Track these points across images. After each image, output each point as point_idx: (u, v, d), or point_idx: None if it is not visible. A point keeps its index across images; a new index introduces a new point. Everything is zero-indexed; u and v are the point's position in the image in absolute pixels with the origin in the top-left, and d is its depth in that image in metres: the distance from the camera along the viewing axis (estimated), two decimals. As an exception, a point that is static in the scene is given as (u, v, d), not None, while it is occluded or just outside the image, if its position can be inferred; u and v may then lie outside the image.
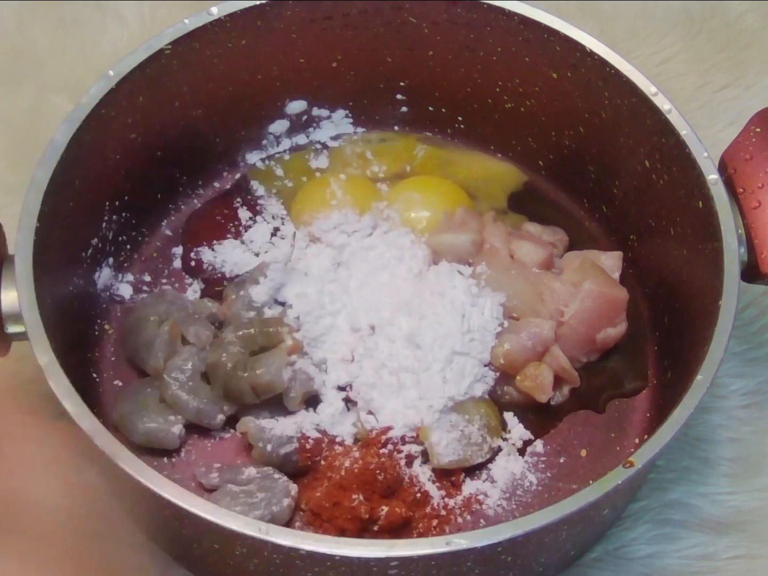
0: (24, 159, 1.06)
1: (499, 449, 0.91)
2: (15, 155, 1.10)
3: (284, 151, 1.08)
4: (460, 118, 1.08)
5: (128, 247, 1.00)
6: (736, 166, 0.90)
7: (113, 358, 0.95)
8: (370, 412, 0.89)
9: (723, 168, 0.90)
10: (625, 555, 0.90)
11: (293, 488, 0.86)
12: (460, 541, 0.71)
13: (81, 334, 0.94)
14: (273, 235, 1.01)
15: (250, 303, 0.93)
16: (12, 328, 0.81)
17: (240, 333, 0.90)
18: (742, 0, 1.24)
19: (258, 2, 0.96)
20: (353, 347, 0.92)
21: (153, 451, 0.89)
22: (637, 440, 0.92)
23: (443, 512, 0.87)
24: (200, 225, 1.03)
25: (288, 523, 0.85)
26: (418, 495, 0.87)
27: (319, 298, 0.93)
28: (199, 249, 1.00)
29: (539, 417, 0.93)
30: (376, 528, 0.85)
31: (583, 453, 0.91)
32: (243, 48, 0.98)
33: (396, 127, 1.10)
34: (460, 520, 0.87)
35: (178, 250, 1.02)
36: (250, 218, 1.02)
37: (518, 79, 1.02)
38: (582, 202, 1.06)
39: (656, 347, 0.97)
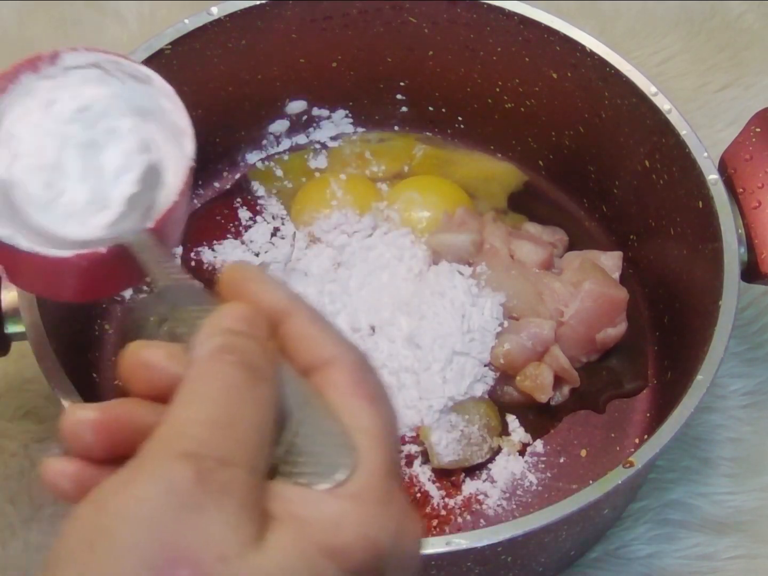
0: (24, 159, 1.06)
1: (499, 449, 0.91)
2: (15, 155, 1.10)
3: (284, 151, 1.08)
4: (460, 118, 1.08)
5: (128, 247, 1.00)
6: (736, 166, 0.90)
7: (113, 358, 0.95)
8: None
9: (723, 168, 0.90)
10: (625, 555, 0.90)
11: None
12: (459, 541, 0.71)
13: (81, 335, 0.94)
14: (273, 235, 1.01)
15: (250, 303, 0.93)
16: (12, 328, 0.81)
17: (240, 333, 0.90)
18: (742, 0, 1.24)
19: (258, 2, 0.96)
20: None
21: (153, 451, 0.89)
22: (637, 440, 0.92)
23: (443, 512, 0.87)
24: (200, 225, 1.03)
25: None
26: (418, 495, 0.87)
27: (319, 298, 0.93)
28: (199, 249, 1.00)
29: (539, 417, 0.92)
30: (376, 528, 0.85)
31: (583, 453, 0.91)
32: (243, 48, 0.98)
33: (396, 127, 1.10)
34: (459, 520, 0.87)
35: (178, 250, 1.02)
36: (250, 218, 1.02)
37: (518, 79, 1.02)
38: (582, 202, 1.06)
39: (656, 347, 0.97)
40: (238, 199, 1.04)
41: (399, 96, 1.08)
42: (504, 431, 0.91)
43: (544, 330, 0.92)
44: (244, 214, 1.03)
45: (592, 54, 0.94)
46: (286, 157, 1.08)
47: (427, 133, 1.10)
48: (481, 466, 0.90)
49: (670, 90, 0.95)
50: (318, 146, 1.09)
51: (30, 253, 0.61)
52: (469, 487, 0.89)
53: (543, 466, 0.91)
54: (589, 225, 1.05)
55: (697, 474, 0.94)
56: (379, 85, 1.06)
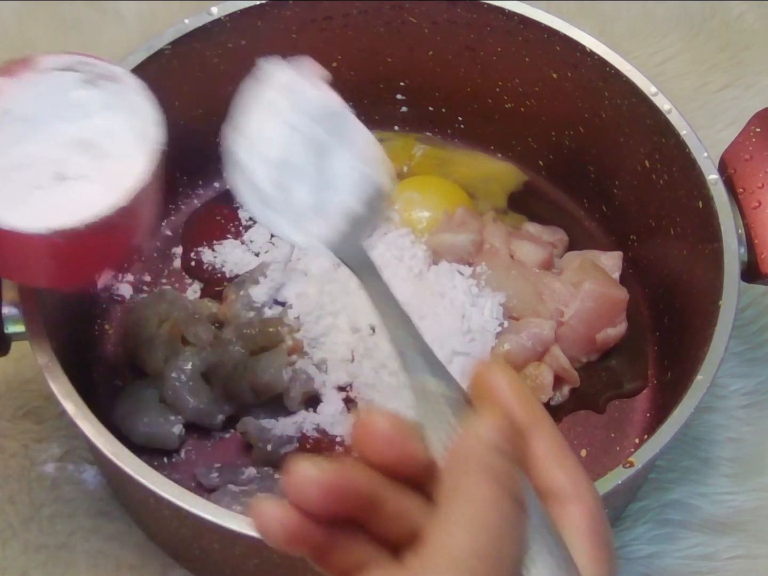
0: (24, 159, 1.06)
1: (499, 449, 0.91)
2: (15, 155, 1.10)
3: (284, 151, 1.08)
4: (460, 118, 1.08)
5: (128, 247, 1.00)
6: (736, 166, 0.90)
7: (113, 358, 0.95)
8: (370, 412, 0.89)
9: (723, 168, 0.90)
10: (625, 555, 0.90)
11: (293, 488, 0.86)
12: (459, 541, 0.71)
13: (81, 334, 0.94)
14: (273, 235, 1.01)
15: (250, 303, 0.93)
16: (12, 328, 0.81)
17: (240, 333, 0.90)
18: (742, 0, 1.24)
19: (258, 2, 0.96)
20: (353, 347, 0.92)
21: (153, 451, 0.89)
22: (637, 440, 0.92)
23: (443, 512, 0.87)
24: (200, 225, 1.03)
25: (288, 524, 0.85)
26: (418, 495, 0.87)
27: (320, 298, 0.93)
28: (199, 249, 1.00)
29: (539, 417, 0.92)
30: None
31: (583, 453, 0.91)
32: (243, 48, 0.98)
33: (396, 127, 1.10)
34: (460, 520, 0.87)
35: (178, 250, 1.02)
36: (250, 218, 1.02)
37: (518, 79, 1.02)
38: (582, 202, 1.06)
39: (656, 347, 0.97)
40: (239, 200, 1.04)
41: (399, 96, 1.08)
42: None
43: (544, 330, 0.92)
44: (244, 214, 1.02)
45: (592, 54, 0.95)
46: (286, 158, 1.08)
47: (427, 133, 1.10)
48: (481, 466, 0.90)
49: (670, 90, 0.95)
50: (318, 146, 1.09)
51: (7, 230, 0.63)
52: (469, 487, 0.89)
53: (543, 466, 0.90)
54: (589, 225, 1.05)
55: (697, 474, 0.94)
56: (379, 85, 1.06)
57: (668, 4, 1.24)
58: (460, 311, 0.90)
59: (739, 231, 0.86)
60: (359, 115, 1.09)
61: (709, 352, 0.80)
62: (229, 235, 1.01)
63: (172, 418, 0.89)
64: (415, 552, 0.43)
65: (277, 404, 0.89)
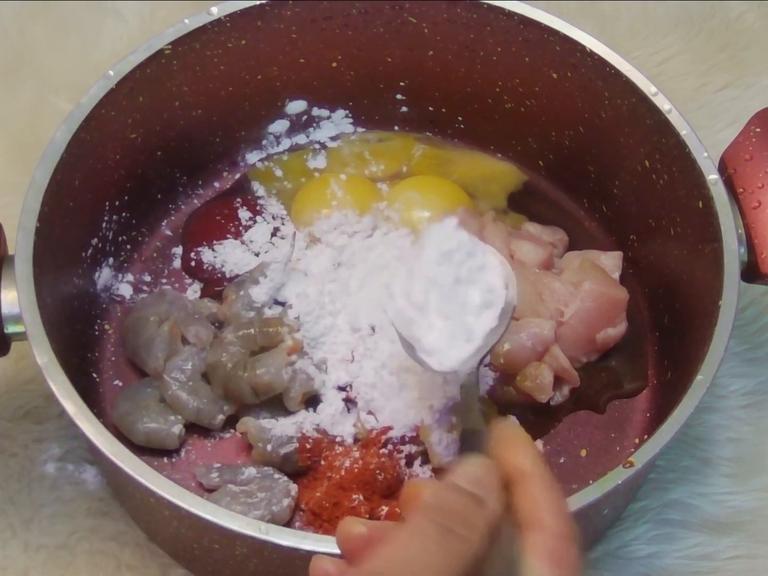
0: (24, 159, 1.06)
1: (499, 449, 0.91)
2: (15, 155, 1.10)
3: (284, 151, 1.08)
4: (460, 118, 1.08)
5: (128, 247, 1.00)
6: (736, 166, 0.90)
7: (113, 358, 0.95)
8: (370, 412, 0.89)
9: (723, 168, 0.90)
10: (625, 555, 0.90)
11: (293, 488, 0.86)
12: (459, 541, 0.71)
13: (81, 334, 0.94)
14: (273, 235, 1.01)
15: (250, 303, 0.93)
16: (12, 328, 0.81)
17: (240, 333, 0.90)
18: (742, 0, 1.24)
19: (258, 2, 0.96)
20: (353, 347, 0.92)
21: (153, 451, 0.89)
22: (637, 440, 0.92)
23: (443, 512, 0.87)
24: (200, 225, 1.02)
25: (288, 524, 0.85)
26: (418, 495, 0.87)
27: (320, 298, 0.93)
28: (199, 249, 1.00)
29: (539, 417, 0.93)
30: (376, 528, 0.85)
31: (583, 453, 0.91)
32: (243, 48, 0.98)
33: (396, 127, 1.10)
34: (460, 520, 0.87)
35: (178, 250, 1.02)
36: (250, 218, 1.02)
37: (518, 79, 1.02)
38: (582, 202, 1.06)
39: (656, 347, 0.97)
40: (238, 199, 1.04)
41: (399, 96, 1.08)
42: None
43: (544, 330, 0.92)
44: (244, 214, 1.02)
45: (592, 54, 0.95)
46: (285, 157, 1.08)
47: (427, 133, 1.10)
48: (481, 466, 0.90)
49: (670, 90, 0.95)
50: (317, 146, 1.09)
51: None
52: (469, 487, 0.89)
53: (543, 466, 0.90)
54: (589, 225, 1.05)
55: (697, 474, 0.94)
56: (379, 85, 1.06)
57: (668, 4, 1.24)
58: (460, 311, 0.90)
59: (739, 231, 0.86)
60: (359, 115, 1.10)
61: (709, 352, 0.80)
62: (229, 235, 1.01)
63: (172, 418, 0.89)
64: None
65: (277, 404, 0.90)
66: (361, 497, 0.84)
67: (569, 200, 1.06)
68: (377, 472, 0.85)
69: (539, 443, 0.91)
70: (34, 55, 1.19)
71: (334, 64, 1.04)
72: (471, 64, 1.02)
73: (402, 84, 1.06)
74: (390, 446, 0.88)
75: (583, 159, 1.03)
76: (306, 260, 0.97)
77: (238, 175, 1.07)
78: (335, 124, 1.09)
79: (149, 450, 0.89)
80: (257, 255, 0.99)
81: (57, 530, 0.89)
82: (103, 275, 0.97)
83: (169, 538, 0.87)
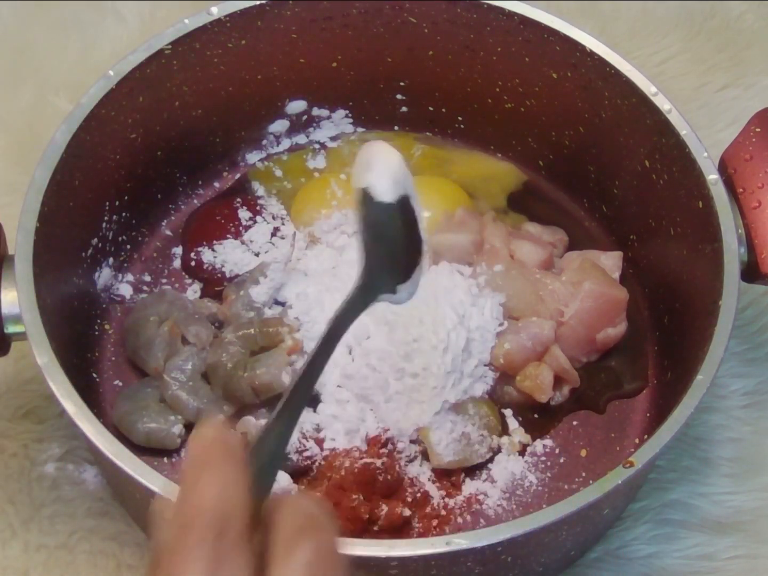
0: (24, 159, 1.06)
1: (499, 449, 0.91)
2: (15, 155, 1.10)
3: (284, 151, 1.08)
4: (460, 118, 1.08)
5: (128, 247, 1.00)
6: (736, 166, 0.90)
7: (113, 358, 0.95)
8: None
9: (723, 168, 0.90)
10: (625, 555, 0.90)
11: (293, 488, 0.86)
12: (460, 541, 0.71)
13: (81, 334, 0.94)
14: (273, 235, 1.01)
15: (250, 303, 0.93)
16: (12, 328, 0.81)
17: (240, 333, 0.90)
18: (742, 0, 1.24)
19: (258, 2, 0.96)
20: (352, 347, 0.91)
21: (153, 451, 0.89)
22: (637, 440, 0.92)
23: (443, 512, 0.87)
24: (200, 225, 1.02)
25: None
26: (418, 495, 0.87)
27: (319, 298, 0.93)
28: (199, 249, 1.00)
29: (539, 417, 0.93)
30: (376, 528, 0.85)
31: (583, 453, 0.91)
32: (243, 48, 0.98)
33: (396, 127, 1.10)
34: (460, 520, 0.87)
35: (178, 250, 1.02)
36: (250, 218, 1.02)
37: (518, 79, 1.02)
38: (582, 202, 1.06)
39: (656, 347, 0.97)
40: (238, 199, 1.04)
41: (399, 96, 1.08)
42: (504, 431, 0.91)
43: (544, 330, 0.92)
44: (244, 214, 1.02)
45: (592, 54, 0.95)
46: (285, 157, 1.08)
47: (427, 133, 1.10)
48: (481, 466, 0.90)
49: (670, 90, 0.95)
50: (317, 146, 1.09)
51: None
52: (469, 487, 0.89)
53: (543, 466, 0.91)
54: (589, 225, 1.05)
55: (697, 474, 0.94)
56: (379, 85, 1.06)
57: (668, 4, 1.24)
58: (460, 311, 0.90)
59: (739, 231, 0.86)
60: (359, 115, 1.10)
61: (709, 352, 0.80)
62: (229, 235, 1.01)
63: (172, 418, 0.89)
64: None
65: (277, 404, 0.89)
66: (361, 497, 0.84)
67: (569, 200, 1.06)
68: (377, 472, 0.85)
69: (539, 443, 0.91)
70: (34, 55, 1.19)
71: (334, 64, 1.04)
72: (471, 64, 1.02)
73: (402, 84, 1.06)
74: (390, 446, 0.88)
75: (583, 159, 1.03)
76: (306, 260, 0.97)
77: (238, 175, 1.07)
78: (335, 124, 1.09)
79: (149, 450, 0.89)
80: (257, 255, 0.99)
81: (57, 530, 0.89)
82: (103, 275, 0.97)
83: (169, 538, 0.87)
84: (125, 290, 0.99)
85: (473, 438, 0.89)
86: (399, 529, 0.85)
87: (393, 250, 0.73)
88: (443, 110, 1.08)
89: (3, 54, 1.19)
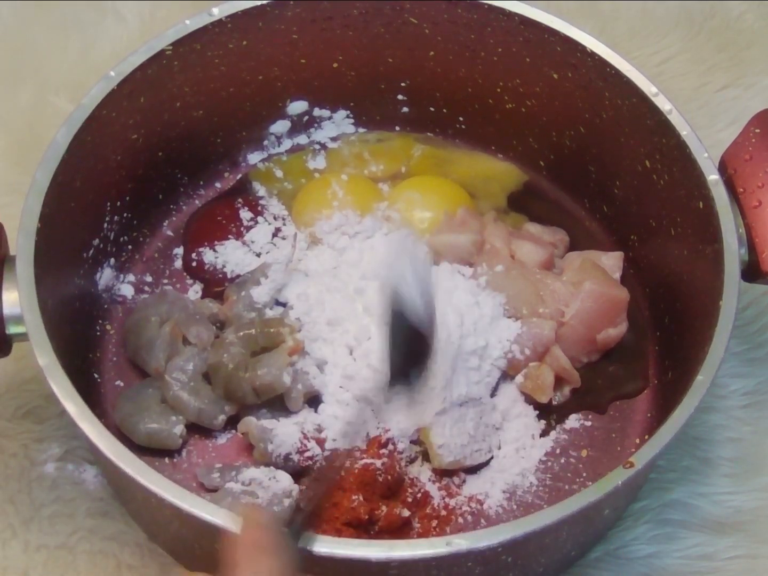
0: (24, 159, 1.06)
1: (500, 449, 0.91)
2: (15, 155, 1.10)
3: (284, 152, 1.08)
4: (461, 119, 1.09)
5: (129, 247, 1.01)
6: (736, 166, 0.90)
7: (114, 359, 0.95)
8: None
9: (723, 168, 0.90)
10: (625, 555, 0.90)
11: (294, 488, 0.86)
12: (460, 542, 0.71)
13: (82, 335, 0.94)
14: (274, 235, 1.01)
15: (252, 303, 0.93)
16: (13, 329, 0.81)
17: (241, 333, 0.90)
18: (742, 0, 1.24)
19: (259, 3, 0.96)
20: (354, 347, 0.92)
21: (154, 451, 0.89)
22: (637, 440, 0.92)
23: (444, 512, 0.87)
24: (201, 226, 1.02)
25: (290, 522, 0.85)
26: (419, 495, 0.87)
27: (320, 298, 0.93)
28: (201, 250, 1.00)
29: (540, 417, 0.93)
30: (375, 528, 0.85)
31: (584, 453, 0.92)
32: (244, 49, 0.98)
33: (397, 128, 1.10)
34: (460, 520, 0.87)
35: (180, 251, 1.02)
36: (252, 219, 1.02)
37: (519, 79, 1.02)
38: (583, 202, 1.06)
39: (657, 347, 0.97)
40: (240, 200, 1.04)
41: (400, 96, 1.08)
42: (504, 432, 0.91)
43: (545, 330, 0.92)
44: (245, 214, 1.02)
45: (592, 54, 0.95)
46: (285, 158, 1.08)
47: (428, 134, 1.10)
48: (482, 466, 0.90)
49: (670, 90, 0.95)
50: (317, 147, 1.09)
51: None
52: (470, 487, 0.89)
53: (543, 466, 0.91)
54: (589, 225, 1.05)
55: (697, 474, 0.94)
56: (380, 85, 1.06)
57: (668, 4, 1.24)
58: (460, 312, 0.90)
59: (740, 230, 0.86)
60: (360, 116, 1.10)
61: (710, 352, 0.80)
62: (230, 236, 1.01)
63: (174, 418, 0.89)
64: None
65: (278, 404, 0.90)
66: (361, 498, 0.84)
67: (570, 200, 1.06)
68: (377, 472, 0.85)
69: (540, 443, 0.91)
70: (34, 55, 1.19)
71: (335, 65, 1.04)
72: (472, 65, 1.02)
73: (403, 84, 1.07)
74: (390, 446, 0.88)
75: (583, 159, 1.03)
76: (307, 261, 0.97)
77: (239, 176, 1.07)
78: (336, 124, 1.09)
79: (151, 450, 0.89)
80: (258, 255, 0.99)
81: (57, 530, 0.89)
82: (105, 276, 0.97)
83: (170, 538, 0.87)
84: (126, 291, 0.99)
85: (474, 439, 0.89)
86: (398, 530, 0.85)
87: (412, 347, 0.77)
88: (444, 110, 1.08)
89: (3, 54, 1.19)
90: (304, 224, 1.01)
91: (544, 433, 0.92)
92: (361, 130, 1.09)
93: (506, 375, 0.92)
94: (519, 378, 0.92)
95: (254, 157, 1.08)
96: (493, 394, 0.92)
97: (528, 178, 1.08)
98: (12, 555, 0.88)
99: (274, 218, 1.03)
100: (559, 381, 0.92)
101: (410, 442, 0.89)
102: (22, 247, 0.82)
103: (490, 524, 0.87)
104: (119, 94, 0.91)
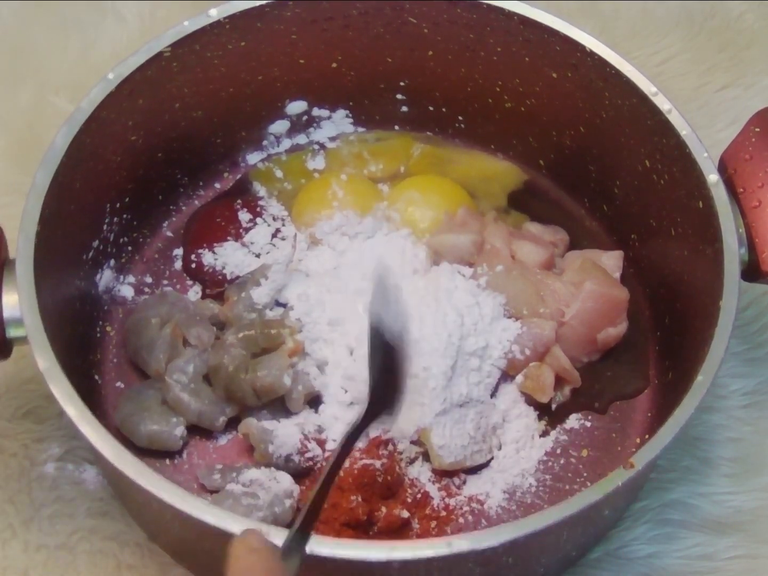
0: (24, 159, 1.06)
1: (500, 449, 0.91)
2: (15, 155, 1.10)
3: (283, 152, 1.08)
4: (460, 118, 1.08)
5: (129, 248, 1.01)
6: (736, 166, 0.90)
7: (115, 360, 0.95)
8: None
9: (723, 168, 0.90)
10: (626, 555, 0.90)
11: (295, 489, 0.86)
12: (461, 543, 0.71)
13: (83, 337, 0.94)
14: (274, 236, 1.01)
15: (252, 304, 0.93)
16: (13, 332, 0.81)
17: (241, 335, 0.90)
18: (742, 0, 1.24)
19: (258, 3, 0.96)
20: (354, 348, 0.92)
21: (155, 452, 0.89)
22: (638, 440, 0.92)
23: (443, 513, 0.87)
24: (201, 227, 1.02)
25: (290, 525, 0.85)
26: (418, 496, 0.87)
27: (321, 299, 0.93)
28: (200, 251, 1.00)
29: (540, 417, 0.93)
30: (374, 529, 0.85)
31: (584, 453, 0.92)
32: (243, 49, 0.98)
33: (396, 127, 1.10)
34: (461, 520, 0.87)
35: (180, 252, 1.02)
36: (251, 220, 1.02)
37: (518, 79, 1.02)
38: (583, 202, 1.06)
39: (657, 347, 0.97)
40: (239, 201, 1.04)
41: (399, 96, 1.08)
42: (504, 432, 0.91)
43: (545, 330, 0.92)
44: (244, 215, 1.02)
45: (592, 54, 0.95)
46: (284, 158, 1.08)
47: (428, 133, 1.10)
48: (482, 467, 0.90)
49: (670, 90, 0.95)
50: (317, 147, 1.09)
51: None
52: (470, 487, 0.89)
53: (544, 466, 0.91)
54: (590, 225, 1.05)
55: (697, 474, 0.94)
56: (379, 85, 1.06)
57: (668, 4, 1.24)
58: (460, 312, 0.90)
59: (740, 230, 0.86)
60: (360, 116, 1.10)
61: (710, 352, 0.80)
62: (229, 237, 1.01)
63: (174, 419, 0.89)
64: None
65: (278, 405, 0.90)
66: (360, 498, 0.84)
67: (570, 200, 1.06)
68: (377, 473, 0.85)
69: (540, 443, 0.91)
70: (34, 55, 1.19)
71: (335, 65, 1.04)
72: (471, 64, 1.02)
73: (402, 84, 1.06)
74: (390, 447, 0.88)
75: (583, 159, 1.03)
76: (307, 261, 0.97)
77: (239, 176, 1.07)
78: (336, 124, 1.09)
79: (151, 452, 0.89)
80: (258, 256, 0.99)
81: (57, 530, 0.89)
82: (105, 277, 0.97)
83: (171, 539, 0.87)
84: (127, 292, 0.99)
85: (474, 439, 0.89)
86: (397, 531, 0.85)
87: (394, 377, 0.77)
88: (444, 110, 1.08)
89: (3, 54, 1.19)
90: (304, 225, 1.01)
91: (545, 434, 0.92)
92: (360, 129, 1.09)
93: (506, 375, 0.92)
94: (519, 378, 0.92)
95: (254, 158, 1.08)
96: (493, 395, 0.92)
97: (528, 178, 1.08)
98: (12, 555, 0.88)
99: (274, 219, 1.02)
100: (559, 381, 0.92)
101: (410, 443, 0.89)
102: (22, 249, 0.81)
103: (490, 525, 0.87)
104: (118, 96, 0.91)
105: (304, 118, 1.07)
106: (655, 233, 0.97)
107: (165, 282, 1.00)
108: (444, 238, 0.97)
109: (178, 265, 1.01)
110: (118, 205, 0.97)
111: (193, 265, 1.00)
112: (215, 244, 1.00)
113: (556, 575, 0.88)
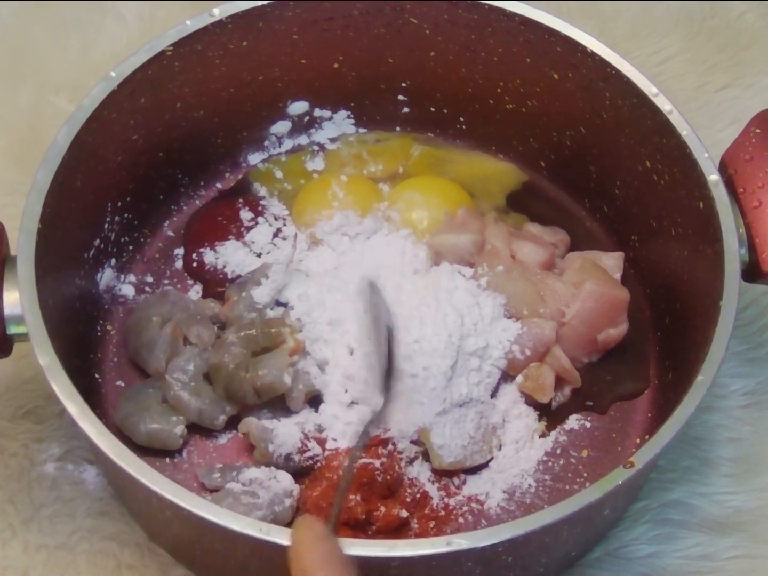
0: (24, 158, 1.06)
1: (500, 449, 0.91)
2: (15, 155, 1.10)
3: (285, 152, 1.09)
4: (461, 119, 1.09)
5: (130, 247, 1.01)
6: (737, 166, 0.90)
7: (115, 359, 0.95)
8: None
9: (723, 168, 0.90)
10: (625, 555, 0.90)
11: (295, 488, 0.86)
12: (460, 542, 0.71)
13: (83, 335, 0.94)
14: (275, 236, 1.01)
15: (252, 304, 0.93)
16: (14, 330, 0.81)
17: (242, 334, 0.90)
18: (742, 0, 1.25)
19: (259, 3, 0.96)
20: (354, 347, 0.92)
21: (155, 451, 0.89)
22: (638, 440, 0.92)
23: (443, 513, 0.87)
24: (202, 226, 1.02)
25: (290, 524, 0.85)
26: (418, 495, 0.87)
27: (321, 298, 0.93)
28: (201, 250, 1.00)
29: (541, 418, 0.93)
30: (373, 529, 0.85)
31: (584, 453, 0.92)
32: (244, 49, 0.98)
33: (397, 128, 1.10)
34: (460, 520, 0.87)
35: (180, 251, 1.02)
36: (252, 219, 1.02)
37: (519, 79, 1.02)
38: (583, 203, 1.06)
39: (657, 347, 0.97)
40: (240, 200, 1.04)
41: (400, 97, 1.08)
42: (504, 431, 0.92)
43: (546, 330, 0.92)
44: (245, 215, 1.02)
45: (592, 54, 0.95)
46: (283, 159, 1.08)
47: (429, 134, 1.10)
48: (482, 467, 0.90)
49: (670, 90, 0.95)
50: (316, 148, 1.09)
51: None
52: (470, 487, 0.89)
53: (544, 466, 0.91)
54: (590, 225, 1.05)
55: (697, 474, 0.94)
56: (380, 85, 1.06)
57: (668, 4, 1.25)
58: (460, 312, 0.90)
59: (740, 231, 0.86)
60: (361, 116, 1.10)
61: (710, 352, 0.80)
62: (230, 236, 1.01)
63: (174, 418, 0.89)
64: None
65: (278, 404, 0.90)
66: (359, 498, 0.84)
67: (571, 200, 1.07)
68: (376, 472, 0.85)
69: (540, 443, 0.91)
70: (34, 55, 1.19)
71: (336, 65, 1.04)
72: (472, 65, 1.03)
73: (403, 85, 1.07)
74: (390, 446, 0.88)
75: (584, 159, 1.03)
76: (307, 261, 0.97)
77: (240, 176, 1.07)
78: (337, 124, 1.09)
79: (151, 450, 0.89)
80: (259, 256, 0.99)
81: (57, 530, 0.89)
82: (105, 276, 0.97)
83: (171, 538, 0.87)
84: (127, 291, 0.99)
85: (474, 439, 0.89)
86: (396, 531, 0.85)
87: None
88: (445, 111, 1.08)
89: (3, 54, 1.19)
90: (304, 225, 1.01)
91: (545, 434, 0.92)
92: (361, 130, 1.10)
93: (507, 375, 0.92)
94: (519, 378, 0.92)
95: (255, 158, 1.08)
96: (493, 395, 0.92)
97: (528, 178, 1.08)
98: (12, 555, 0.88)
99: (275, 219, 1.03)
100: (559, 381, 0.92)
101: (410, 442, 0.89)
102: (23, 247, 0.82)
103: (490, 524, 0.87)
104: (120, 95, 0.91)
105: (306, 118, 1.08)
106: (656, 233, 0.97)
107: (166, 281, 1.00)
108: (444, 239, 0.97)
109: (179, 264, 1.01)
110: (119, 204, 0.97)
111: (194, 264, 1.00)
112: (217, 243, 1.00)
113: (556, 575, 0.88)
